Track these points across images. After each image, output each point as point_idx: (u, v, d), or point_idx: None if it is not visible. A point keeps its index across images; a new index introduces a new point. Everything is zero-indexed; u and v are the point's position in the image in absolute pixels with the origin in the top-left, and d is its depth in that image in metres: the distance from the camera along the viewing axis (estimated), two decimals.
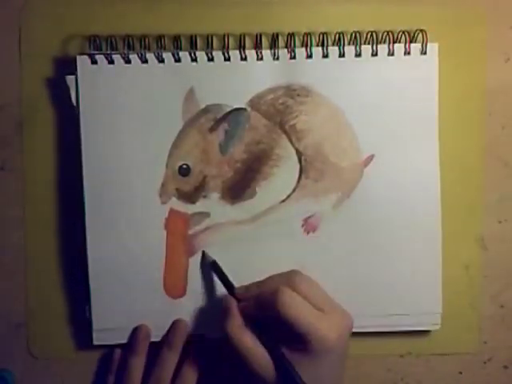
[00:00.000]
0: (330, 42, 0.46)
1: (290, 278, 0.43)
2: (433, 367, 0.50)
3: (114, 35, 0.46)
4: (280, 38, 0.46)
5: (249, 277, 0.47)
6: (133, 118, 0.46)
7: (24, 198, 0.48)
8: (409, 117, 0.47)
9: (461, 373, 0.50)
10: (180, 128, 0.47)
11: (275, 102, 0.47)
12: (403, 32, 0.46)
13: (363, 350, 0.49)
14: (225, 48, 0.46)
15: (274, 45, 0.46)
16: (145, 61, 0.46)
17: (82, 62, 0.46)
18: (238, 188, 0.47)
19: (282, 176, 0.47)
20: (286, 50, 0.46)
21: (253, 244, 0.47)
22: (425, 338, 0.49)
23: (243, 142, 0.47)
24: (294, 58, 0.46)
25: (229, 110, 0.47)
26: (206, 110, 0.47)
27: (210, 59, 0.46)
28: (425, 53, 0.46)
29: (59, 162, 0.48)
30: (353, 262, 0.47)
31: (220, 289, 0.47)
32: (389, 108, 0.47)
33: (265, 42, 0.46)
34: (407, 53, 0.46)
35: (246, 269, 0.47)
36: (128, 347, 0.47)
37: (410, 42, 0.46)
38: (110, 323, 0.47)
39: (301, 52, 0.46)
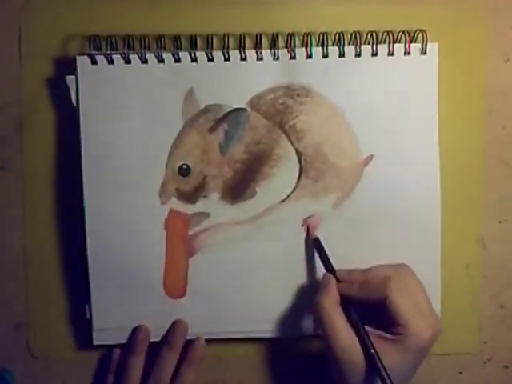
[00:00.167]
0: (329, 42, 0.46)
1: (399, 270, 0.43)
2: (433, 367, 0.50)
3: (113, 35, 0.46)
4: (280, 37, 0.46)
5: (249, 277, 0.47)
6: (133, 118, 0.46)
7: (24, 198, 0.48)
8: (409, 117, 0.47)
9: (461, 373, 0.50)
10: (180, 128, 0.47)
11: (275, 102, 0.47)
12: (403, 32, 0.46)
13: None
14: (225, 48, 0.46)
15: (273, 45, 0.46)
16: (145, 61, 0.46)
17: (82, 62, 0.46)
18: (238, 188, 0.47)
19: (281, 176, 0.47)
20: (285, 50, 0.46)
21: (253, 244, 0.47)
22: None
23: (243, 142, 0.47)
24: (294, 58, 0.46)
25: (229, 110, 0.47)
26: (206, 110, 0.47)
27: (210, 59, 0.46)
28: (425, 53, 0.46)
29: (59, 162, 0.48)
30: (353, 262, 0.47)
31: (220, 288, 0.47)
32: (389, 108, 0.47)
33: (265, 42, 0.46)
34: (407, 53, 0.46)
35: (246, 269, 0.47)
36: (127, 347, 0.47)
37: (410, 41, 0.46)
38: (110, 323, 0.47)
39: (301, 52, 0.46)
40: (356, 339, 0.41)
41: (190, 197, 0.47)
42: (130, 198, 0.47)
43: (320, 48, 0.46)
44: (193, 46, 0.46)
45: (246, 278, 0.47)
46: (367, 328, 0.42)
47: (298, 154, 0.47)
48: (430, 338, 0.41)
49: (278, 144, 0.47)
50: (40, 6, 0.47)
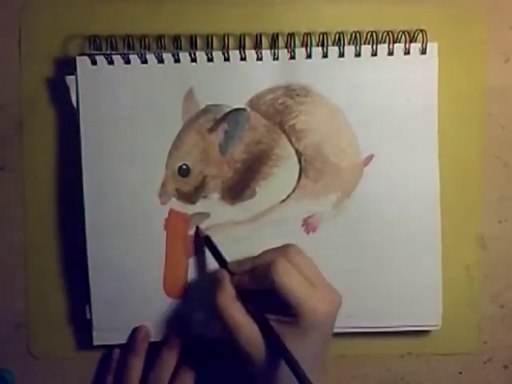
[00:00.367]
0: (329, 42, 0.46)
1: (284, 251, 0.43)
2: (433, 367, 0.50)
3: (113, 35, 0.46)
4: (280, 37, 0.46)
5: None
6: (132, 118, 0.46)
7: (24, 198, 0.48)
8: (409, 117, 0.47)
9: (461, 373, 0.50)
10: (180, 128, 0.47)
11: (275, 102, 0.47)
12: (403, 32, 0.46)
13: (363, 350, 0.49)
14: (225, 48, 0.46)
15: (273, 45, 0.46)
16: (145, 61, 0.46)
17: (82, 62, 0.46)
18: (238, 188, 0.47)
19: (281, 176, 0.47)
20: (285, 50, 0.46)
21: (253, 244, 0.47)
22: (425, 338, 0.49)
23: (243, 143, 0.47)
24: (294, 58, 0.46)
25: (228, 110, 0.47)
26: (206, 111, 0.47)
27: (210, 59, 0.46)
28: (424, 53, 0.46)
29: (59, 162, 0.48)
30: (353, 262, 0.47)
31: None
32: (388, 108, 0.47)
33: (265, 42, 0.46)
34: (407, 53, 0.46)
35: None
36: (127, 347, 0.47)
37: (410, 41, 0.46)
38: (110, 323, 0.47)
39: (300, 52, 0.46)
40: (257, 329, 0.41)
41: (189, 197, 0.47)
42: (130, 198, 0.47)
43: (320, 48, 0.46)
44: (193, 46, 0.46)
45: None
46: (267, 316, 0.41)
47: (298, 154, 0.47)
48: (327, 311, 0.41)
49: (277, 144, 0.47)
50: (40, 6, 0.47)
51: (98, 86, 0.46)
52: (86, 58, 0.46)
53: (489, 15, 0.48)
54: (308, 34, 0.46)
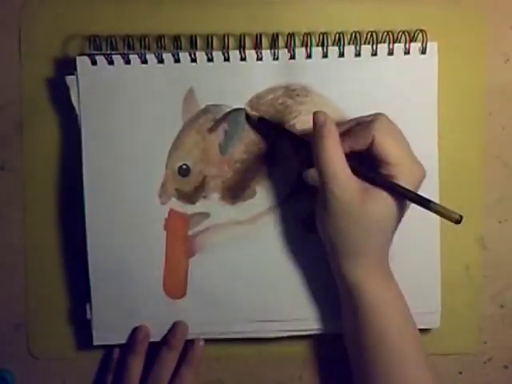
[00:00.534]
0: (329, 42, 0.46)
1: (379, 116, 0.42)
2: (433, 367, 0.50)
3: (113, 35, 0.46)
4: (280, 37, 0.46)
5: (249, 277, 0.47)
6: (132, 118, 0.46)
7: (24, 198, 0.48)
8: (409, 117, 0.47)
9: (461, 373, 0.50)
10: (180, 128, 0.47)
11: (275, 102, 0.47)
12: (403, 32, 0.46)
13: None
14: (224, 48, 0.46)
15: (273, 45, 0.46)
16: (145, 61, 0.46)
17: (82, 62, 0.46)
18: (238, 188, 0.47)
19: (281, 176, 0.47)
20: (285, 50, 0.46)
21: (253, 244, 0.47)
22: (425, 337, 0.49)
23: (243, 142, 0.47)
24: (294, 58, 0.46)
25: (228, 110, 0.47)
26: (206, 111, 0.47)
27: (210, 59, 0.46)
28: (424, 52, 0.46)
29: (59, 162, 0.48)
30: None
31: (220, 289, 0.47)
32: (388, 108, 0.46)
33: (265, 42, 0.46)
34: (407, 52, 0.46)
35: (246, 269, 0.47)
36: (127, 347, 0.47)
37: (410, 41, 0.46)
38: (110, 323, 0.47)
39: (300, 52, 0.46)
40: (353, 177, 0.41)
41: (189, 197, 0.47)
42: (130, 198, 0.47)
43: (320, 48, 0.46)
44: (193, 46, 0.46)
45: (246, 278, 0.47)
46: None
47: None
48: (421, 178, 0.41)
49: (277, 144, 0.47)
50: (40, 6, 0.47)
51: (98, 86, 0.46)
52: (86, 58, 0.46)
53: (489, 15, 0.48)
54: (308, 34, 0.46)
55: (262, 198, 0.47)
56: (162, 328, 0.48)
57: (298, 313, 0.48)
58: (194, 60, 0.46)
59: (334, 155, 0.41)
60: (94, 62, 0.46)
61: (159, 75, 0.46)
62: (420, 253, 0.47)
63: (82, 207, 0.47)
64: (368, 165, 0.42)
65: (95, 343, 0.48)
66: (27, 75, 0.48)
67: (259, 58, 0.46)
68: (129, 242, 0.47)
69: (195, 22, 0.47)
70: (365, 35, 0.46)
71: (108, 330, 0.47)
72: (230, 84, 0.46)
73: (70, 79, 0.46)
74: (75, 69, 0.46)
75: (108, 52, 0.46)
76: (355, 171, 0.41)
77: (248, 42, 0.46)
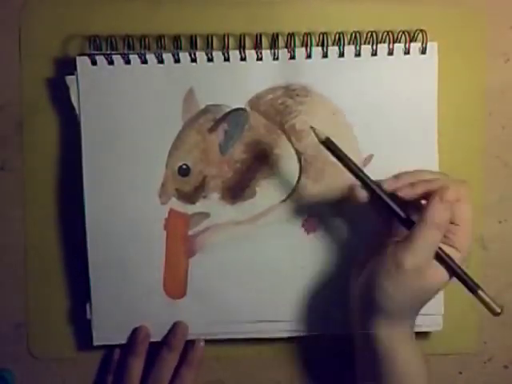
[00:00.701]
0: (329, 42, 0.46)
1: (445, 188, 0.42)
2: (433, 367, 0.50)
3: (114, 35, 0.46)
4: (280, 37, 0.46)
5: (249, 277, 0.47)
6: (133, 118, 0.46)
7: (24, 197, 0.48)
8: (409, 117, 0.47)
9: (461, 373, 0.50)
10: (180, 128, 0.47)
11: (275, 102, 0.47)
12: (403, 32, 0.46)
13: None
14: (224, 48, 0.46)
15: (273, 45, 0.46)
16: (145, 61, 0.46)
17: (82, 62, 0.46)
18: (238, 188, 0.47)
19: (281, 176, 0.47)
20: (285, 50, 0.46)
21: (253, 244, 0.47)
22: (425, 338, 0.49)
23: (243, 142, 0.47)
24: (294, 58, 0.46)
25: (228, 110, 0.47)
26: (206, 111, 0.47)
27: (210, 59, 0.46)
28: (424, 52, 0.46)
29: (59, 162, 0.48)
30: (352, 262, 0.47)
31: (220, 289, 0.47)
32: (388, 108, 0.47)
33: (264, 42, 0.46)
34: (407, 52, 0.46)
35: (246, 269, 0.47)
36: (127, 347, 0.47)
37: (410, 41, 0.46)
38: (110, 323, 0.47)
39: (300, 52, 0.46)
40: None
41: (189, 197, 0.47)
42: (130, 198, 0.47)
43: (320, 48, 0.46)
44: (193, 46, 0.46)
45: (246, 278, 0.47)
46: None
47: (298, 154, 0.47)
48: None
49: (277, 144, 0.47)
50: (40, 5, 0.47)
51: (98, 86, 0.46)
52: (86, 58, 0.46)
53: (489, 15, 0.48)
54: (308, 34, 0.46)
55: (262, 198, 0.47)
56: (162, 328, 0.48)
57: (298, 313, 0.48)
58: (194, 60, 0.46)
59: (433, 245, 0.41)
60: (93, 62, 0.46)
61: (159, 75, 0.46)
62: None
63: (81, 207, 0.47)
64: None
65: (95, 343, 0.48)
66: (27, 75, 0.48)
67: (259, 58, 0.46)
68: (129, 242, 0.47)
69: (195, 22, 0.47)
70: (365, 35, 0.46)
71: (108, 330, 0.47)
72: (229, 84, 0.46)
73: (69, 79, 0.46)
74: (75, 69, 0.46)
75: (108, 52, 0.46)
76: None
77: (248, 42, 0.46)
